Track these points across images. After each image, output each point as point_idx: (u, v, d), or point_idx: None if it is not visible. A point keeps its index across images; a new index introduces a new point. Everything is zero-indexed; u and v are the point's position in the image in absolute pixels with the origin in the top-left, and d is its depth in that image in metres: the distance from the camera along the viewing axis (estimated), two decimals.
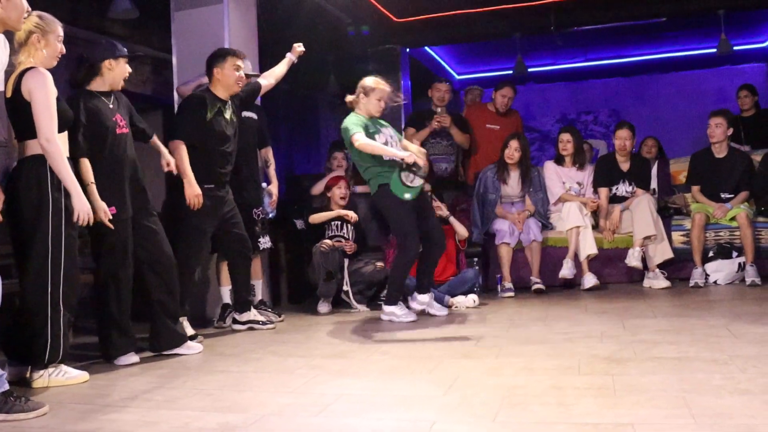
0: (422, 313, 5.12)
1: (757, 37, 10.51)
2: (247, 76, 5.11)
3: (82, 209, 3.46)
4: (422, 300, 5.09)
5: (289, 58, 5.28)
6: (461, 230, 6.01)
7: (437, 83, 7.11)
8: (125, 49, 4.15)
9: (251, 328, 4.87)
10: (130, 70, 4.18)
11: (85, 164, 3.85)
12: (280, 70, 5.26)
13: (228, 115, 4.74)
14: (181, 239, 4.60)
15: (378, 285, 5.90)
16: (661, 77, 11.37)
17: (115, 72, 4.06)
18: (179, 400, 3.08)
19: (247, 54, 5.57)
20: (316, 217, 5.98)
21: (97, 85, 4.04)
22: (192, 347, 4.19)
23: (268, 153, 5.59)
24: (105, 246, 3.94)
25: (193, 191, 4.49)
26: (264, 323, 4.91)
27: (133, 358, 3.98)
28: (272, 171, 5.56)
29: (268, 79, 5.21)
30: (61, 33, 3.60)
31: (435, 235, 5.02)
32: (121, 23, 6.87)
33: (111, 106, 4.06)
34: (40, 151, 3.42)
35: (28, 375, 3.49)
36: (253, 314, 4.93)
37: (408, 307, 5.09)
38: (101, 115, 3.97)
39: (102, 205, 3.83)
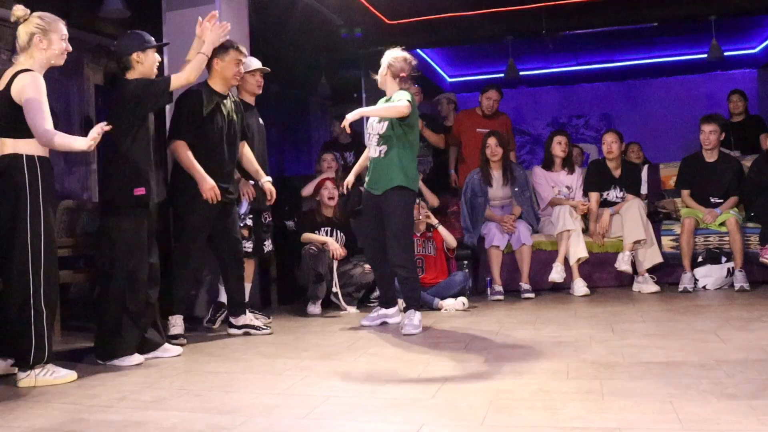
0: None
1: (747, 43, 10.58)
2: (261, 70, 5.18)
3: None
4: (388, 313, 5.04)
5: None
6: (450, 240, 5.99)
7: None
8: (152, 39, 4.12)
9: (247, 333, 4.74)
10: (159, 59, 4.16)
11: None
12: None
13: (226, 110, 4.66)
14: (181, 238, 4.61)
15: (367, 287, 5.91)
16: (652, 82, 11.43)
17: (145, 64, 4.05)
18: (167, 400, 3.07)
19: None
20: (307, 237, 5.91)
21: (132, 77, 4.04)
22: (168, 350, 4.13)
23: None
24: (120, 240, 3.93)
25: (207, 185, 4.43)
26: (260, 328, 4.77)
27: (138, 358, 3.93)
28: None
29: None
30: (65, 32, 3.60)
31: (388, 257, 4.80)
32: (112, 23, 6.86)
33: None
34: (16, 150, 3.40)
35: (15, 373, 3.48)
36: (248, 318, 4.81)
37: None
38: None
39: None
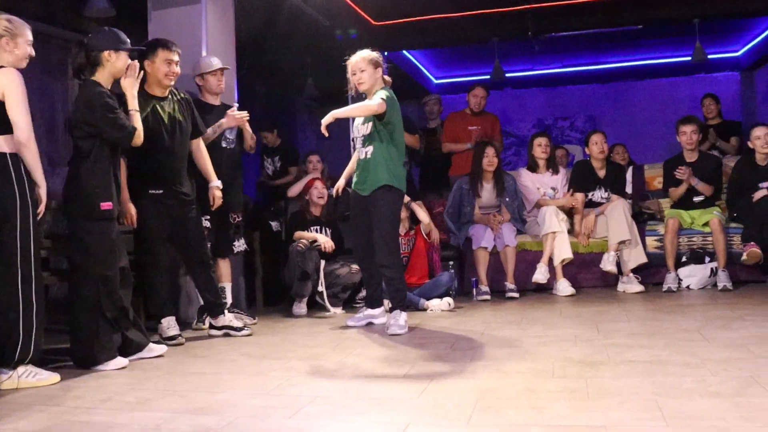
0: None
1: (730, 46, 10.66)
2: (222, 70, 5.13)
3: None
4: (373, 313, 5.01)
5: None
6: (423, 216, 5.95)
7: None
8: (128, 42, 4.02)
9: (227, 334, 4.72)
10: (130, 62, 4.05)
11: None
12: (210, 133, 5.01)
13: (165, 112, 4.52)
14: (143, 245, 4.58)
15: (353, 287, 5.89)
16: (637, 84, 11.49)
17: (116, 65, 3.96)
18: (152, 401, 3.05)
19: (225, 54, 5.58)
20: (299, 235, 5.90)
21: (100, 76, 3.94)
22: (153, 350, 4.09)
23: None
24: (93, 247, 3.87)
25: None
26: (239, 329, 4.73)
27: (122, 361, 3.86)
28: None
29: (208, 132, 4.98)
30: (31, 37, 3.57)
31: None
32: (97, 22, 6.81)
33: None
34: (1, 149, 3.38)
35: None
36: (228, 319, 4.77)
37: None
38: None
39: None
